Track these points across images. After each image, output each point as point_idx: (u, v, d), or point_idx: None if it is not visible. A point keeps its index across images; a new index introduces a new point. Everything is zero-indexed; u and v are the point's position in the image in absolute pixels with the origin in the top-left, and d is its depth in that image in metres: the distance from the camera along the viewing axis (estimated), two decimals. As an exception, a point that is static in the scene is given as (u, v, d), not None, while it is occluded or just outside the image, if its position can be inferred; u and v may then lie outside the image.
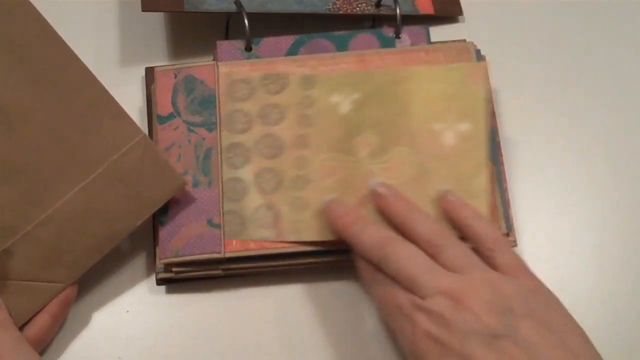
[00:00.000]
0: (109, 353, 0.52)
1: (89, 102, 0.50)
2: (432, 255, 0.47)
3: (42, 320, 0.50)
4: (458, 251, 0.47)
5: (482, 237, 0.48)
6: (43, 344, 0.51)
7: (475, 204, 0.51)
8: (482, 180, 0.52)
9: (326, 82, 0.56)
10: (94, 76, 0.50)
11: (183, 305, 0.54)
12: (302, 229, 0.52)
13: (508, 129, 0.60)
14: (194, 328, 0.53)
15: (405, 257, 0.47)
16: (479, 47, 0.58)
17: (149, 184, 0.51)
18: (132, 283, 0.54)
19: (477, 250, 0.48)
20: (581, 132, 0.60)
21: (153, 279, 0.54)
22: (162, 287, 0.54)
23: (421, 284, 0.45)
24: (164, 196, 0.51)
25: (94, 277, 0.51)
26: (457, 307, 0.44)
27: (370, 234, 0.48)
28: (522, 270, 0.47)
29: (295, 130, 0.55)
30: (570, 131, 0.60)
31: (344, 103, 0.55)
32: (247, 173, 0.54)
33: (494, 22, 0.64)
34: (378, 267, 0.48)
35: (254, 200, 0.53)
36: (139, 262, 0.54)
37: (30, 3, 0.48)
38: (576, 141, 0.60)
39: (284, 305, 0.54)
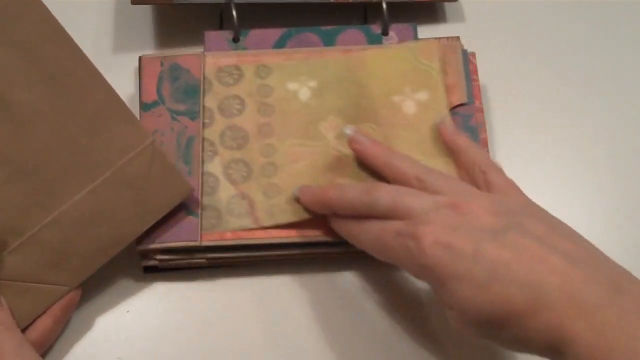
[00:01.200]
0: (109, 353, 0.52)
1: (98, 105, 0.50)
2: (422, 190, 0.46)
3: (44, 324, 0.49)
4: (449, 181, 0.47)
5: (478, 160, 0.49)
6: (44, 348, 0.50)
7: (440, 164, 0.53)
8: None
9: (281, 70, 0.57)
10: (104, 79, 0.50)
11: (184, 305, 0.54)
12: (277, 212, 0.53)
13: (500, 126, 0.60)
14: (194, 327, 0.53)
15: (395, 191, 0.46)
16: (470, 42, 0.59)
17: (156, 190, 0.51)
18: (132, 283, 0.54)
19: (470, 176, 0.49)
20: (576, 130, 0.60)
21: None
22: (163, 286, 0.54)
23: (418, 207, 0.44)
24: (171, 202, 0.51)
25: (93, 277, 0.51)
26: (460, 213, 0.43)
27: (352, 188, 0.49)
28: (516, 189, 0.48)
29: (258, 119, 0.56)
30: (563, 130, 0.60)
31: (302, 90, 0.57)
32: (215, 166, 0.54)
33: (486, 19, 0.65)
34: (366, 216, 0.47)
35: (226, 192, 0.54)
36: (139, 262, 0.54)
37: (42, 4, 0.48)
38: (570, 139, 0.60)
39: (284, 297, 0.54)
